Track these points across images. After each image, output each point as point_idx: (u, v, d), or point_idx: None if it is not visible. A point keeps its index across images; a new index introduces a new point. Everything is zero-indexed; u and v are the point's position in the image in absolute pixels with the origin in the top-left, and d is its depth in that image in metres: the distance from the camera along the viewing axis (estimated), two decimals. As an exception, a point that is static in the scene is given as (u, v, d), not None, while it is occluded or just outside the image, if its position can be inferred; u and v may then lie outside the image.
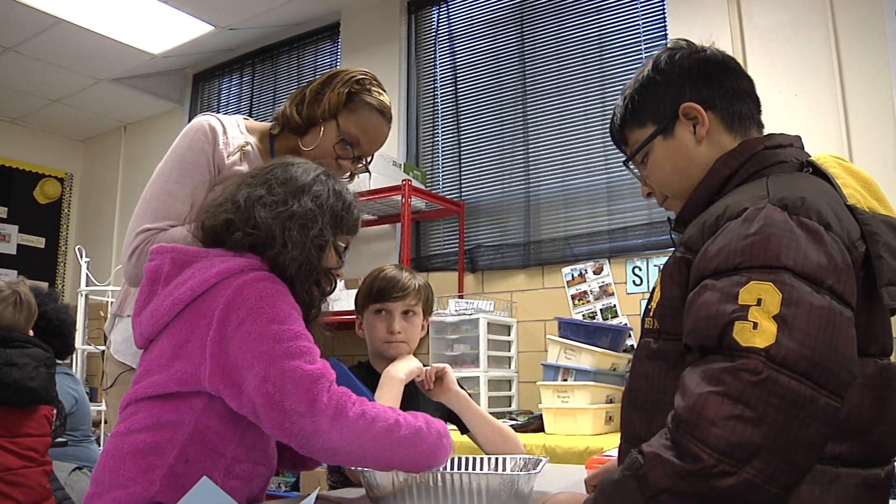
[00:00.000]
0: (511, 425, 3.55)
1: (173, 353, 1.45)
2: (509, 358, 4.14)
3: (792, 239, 1.11)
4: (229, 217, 1.55)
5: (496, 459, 1.81)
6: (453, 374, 2.05)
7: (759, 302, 1.08)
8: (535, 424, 3.52)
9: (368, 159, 2.08)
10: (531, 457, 1.79)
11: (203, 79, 6.40)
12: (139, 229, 1.84)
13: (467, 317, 3.96)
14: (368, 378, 2.01)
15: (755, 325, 1.06)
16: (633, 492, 1.08)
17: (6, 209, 6.84)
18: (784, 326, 1.06)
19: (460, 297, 4.37)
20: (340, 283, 2.00)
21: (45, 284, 6.53)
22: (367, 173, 2.11)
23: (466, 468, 1.80)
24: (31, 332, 2.94)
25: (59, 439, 2.91)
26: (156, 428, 1.43)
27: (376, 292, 2.10)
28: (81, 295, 5.33)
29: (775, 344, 1.05)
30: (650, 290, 1.31)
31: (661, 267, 1.31)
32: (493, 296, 4.31)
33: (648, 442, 1.12)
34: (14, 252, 6.84)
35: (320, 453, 1.40)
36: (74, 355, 5.01)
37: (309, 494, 1.28)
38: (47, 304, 3.52)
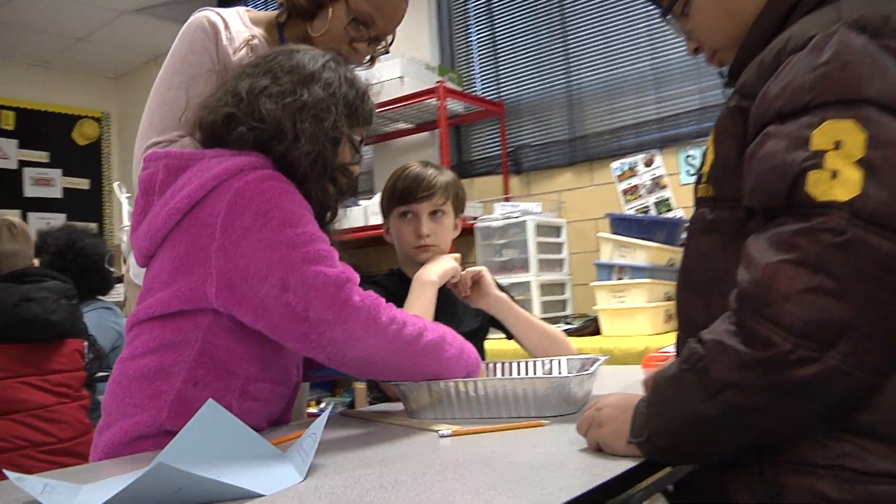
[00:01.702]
0: (566, 329, 3.43)
1: (174, 268, 1.32)
2: (561, 260, 3.98)
3: (874, 65, 0.90)
4: (230, 111, 1.38)
5: (551, 361, 1.66)
6: (490, 276, 1.88)
7: (837, 145, 0.87)
8: (591, 327, 3.40)
9: (389, 40, 1.86)
10: (588, 356, 1.63)
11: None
12: (147, 144, 1.68)
13: (514, 220, 3.79)
14: (400, 286, 1.86)
15: (834, 174, 0.86)
16: (693, 388, 0.91)
17: (47, 153, 6.80)
18: (871, 173, 0.85)
19: (506, 200, 4.21)
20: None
21: (94, 225, 6.54)
22: (385, 54, 1.88)
23: (516, 373, 1.66)
24: (35, 262, 2.84)
25: (101, 374, 2.82)
26: (160, 350, 1.32)
27: (400, 193, 1.92)
28: (124, 231, 5.26)
29: (862, 195, 0.85)
30: (702, 154, 1.10)
31: (714, 124, 1.11)
32: (540, 197, 4.17)
33: (709, 328, 0.94)
34: (60, 195, 6.83)
35: (352, 364, 1.30)
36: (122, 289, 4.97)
37: (320, 415, 1.15)
38: (83, 239, 3.45)
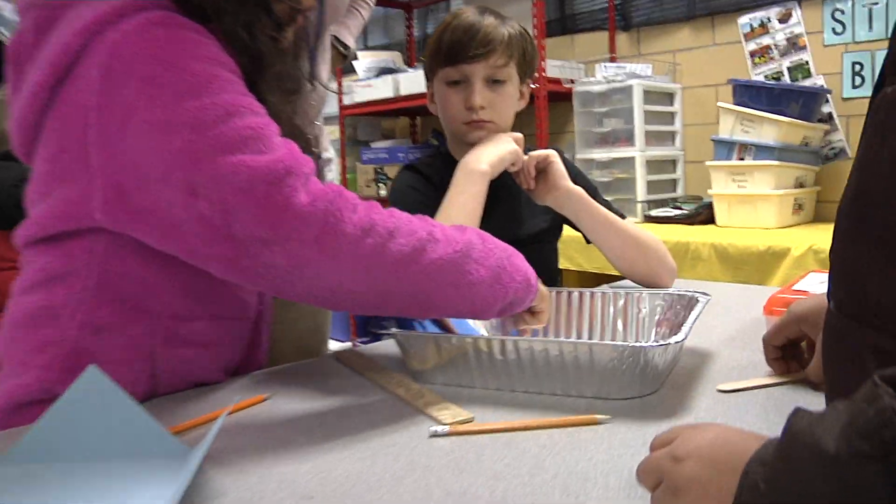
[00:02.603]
0: (675, 216, 2.99)
1: (48, 171, 0.94)
2: (672, 133, 3.49)
3: None
4: None
5: (626, 297, 1.21)
6: (560, 163, 1.42)
7: None
8: (703, 214, 3.03)
9: None
10: (684, 292, 1.15)
11: None
12: None
13: (619, 84, 3.31)
14: (446, 171, 1.43)
15: None
16: (878, 492, 0.41)
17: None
18: None
19: (611, 60, 3.69)
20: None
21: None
22: None
23: (588, 309, 1.23)
24: None
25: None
26: (47, 284, 0.95)
27: (447, 50, 1.45)
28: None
29: None
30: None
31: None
32: (651, 57, 3.64)
33: None
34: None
35: (311, 299, 0.88)
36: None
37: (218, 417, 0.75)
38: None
